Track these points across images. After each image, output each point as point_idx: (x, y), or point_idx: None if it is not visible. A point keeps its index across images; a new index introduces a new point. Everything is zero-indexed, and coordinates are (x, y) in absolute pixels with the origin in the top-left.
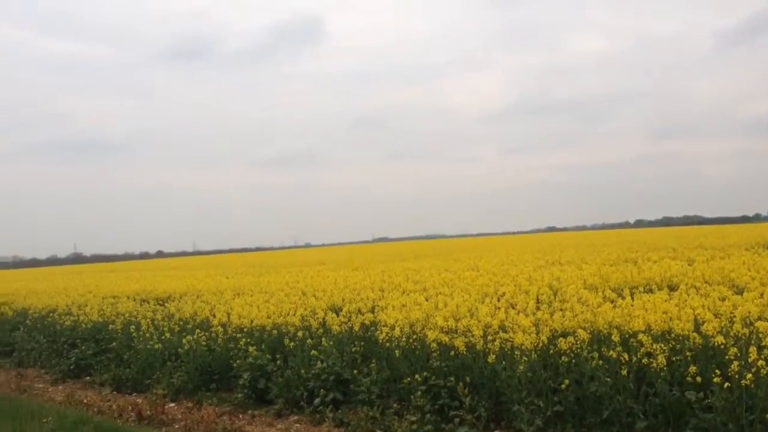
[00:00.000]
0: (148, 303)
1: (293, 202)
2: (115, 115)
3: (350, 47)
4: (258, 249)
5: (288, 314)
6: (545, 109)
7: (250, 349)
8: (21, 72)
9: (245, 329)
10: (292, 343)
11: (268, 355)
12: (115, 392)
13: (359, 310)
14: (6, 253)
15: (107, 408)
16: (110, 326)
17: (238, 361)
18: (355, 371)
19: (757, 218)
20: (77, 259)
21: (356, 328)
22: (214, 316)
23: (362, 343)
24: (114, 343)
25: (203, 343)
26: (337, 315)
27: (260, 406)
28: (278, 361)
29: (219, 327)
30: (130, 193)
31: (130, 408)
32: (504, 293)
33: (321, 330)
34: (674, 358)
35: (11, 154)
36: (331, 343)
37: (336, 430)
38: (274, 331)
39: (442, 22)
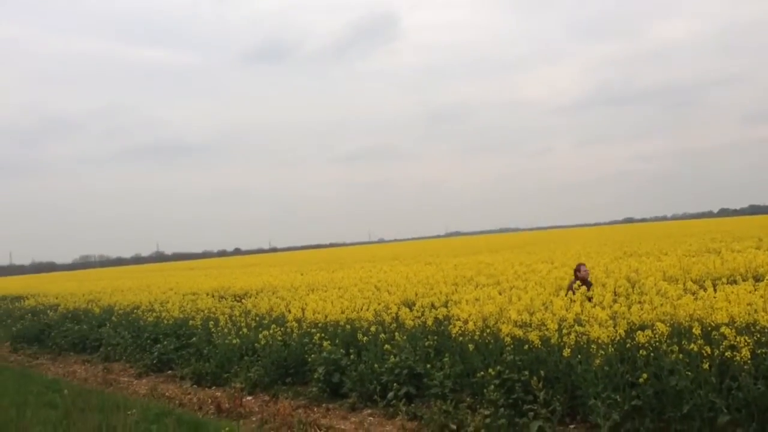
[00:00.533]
0: (226, 299)
1: (367, 198)
2: (199, 118)
3: (425, 43)
4: (332, 245)
5: (361, 309)
6: (626, 98)
7: (325, 343)
8: (113, 79)
9: (319, 324)
10: (365, 338)
11: (342, 350)
12: (195, 386)
13: (432, 305)
14: (93, 252)
15: (188, 401)
16: (190, 322)
17: (312, 356)
18: (429, 365)
19: None
20: (159, 257)
21: (429, 322)
22: (289, 311)
23: (435, 338)
24: (194, 339)
25: (279, 338)
26: (410, 309)
27: (334, 400)
28: (352, 356)
29: (294, 322)
30: (209, 193)
31: (209, 401)
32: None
33: (394, 324)
34: (759, 351)
35: (109, 158)
36: (404, 337)
37: (409, 423)
38: (348, 326)
39: (516, 15)
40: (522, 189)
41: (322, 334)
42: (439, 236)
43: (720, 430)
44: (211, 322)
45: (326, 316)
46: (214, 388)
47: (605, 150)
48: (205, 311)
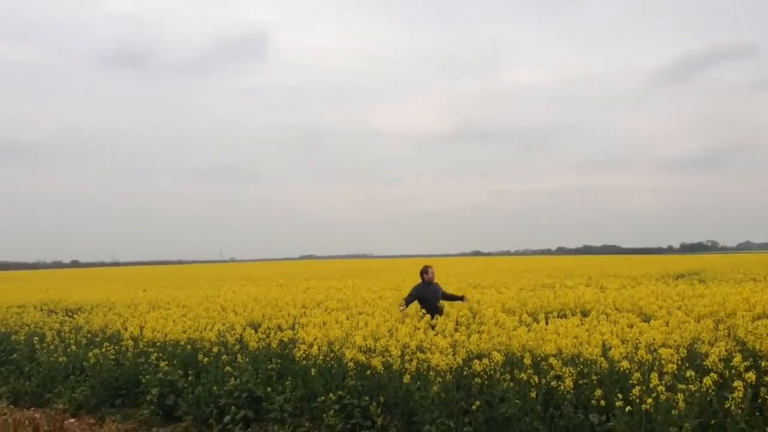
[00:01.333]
0: (57, 314)
1: (221, 216)
2: (45, 119)
3: (290, 65)
4: (180, 262)
5: (205, 329)
6: (481, 135)
7: (161, 363)
8: None
9: (158, 344)
10: (206, 359)
11: (179, 371)
12: (12, 406)
13: (279, 327)
14: None
15: (2, 422)
16: (13, 337)
17: (147, 376)
18: (269, 389)
19: (669, 250)
20: None
21: (274, 345)
22: (126, 329)
23: (279, 361)
24: (15, 355)
25: (111, 356)
26: (256, 331)
27: (167, 424)
28: (190, 377)
29: (130, 341)
30: (47, 199)
31: (26, 422)
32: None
33: (237, 346)
34: (581, 382)
35: None
36: (247, 359)
37: None
38: (189, 347)
39: (382, 45)
40: (376, 217)
41: (160, 354)
42: (292, 259)
43: None
44: (36, 338)
45: (166, 336)
46: (33, 409)
47: (459, 184)
48: (31, 325)
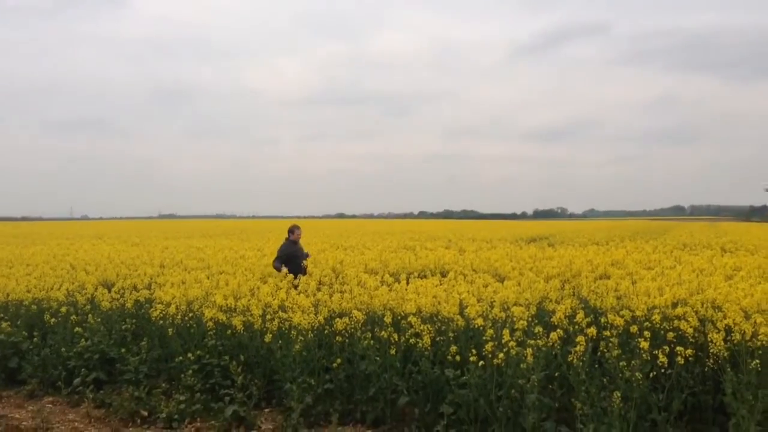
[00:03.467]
0: None
1: (72, 171)
2: None
3: (153, 15)
4: (25, 219)
5: (52, 288)
6: (349, 99)
7: (3, 324)
8: None
9: None
10: (53, 320)
11: (24, 332)
12: None
13: (135, 287)
14: None
15: None
16: None
17: None
18: (124, 350)
19: (523, 216)
20: None
21: (129, 305)
22: None
23: (134, 321)
24: None
25: None
26: (109, 291)
27: (10, 387)
28: (35, 339)
29: None
30: None
31: None
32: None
33: (89, 306)
34: (438, 339)
35: None
36: (99, 320)
37: (96, 411)
38: (34, 307)
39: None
40: (239, 178)
41: (1, 315)
42: (151, 218)
43: (399, 409)
44: None
45: (8, 295)
46: None
47: (325, 147)
48: None
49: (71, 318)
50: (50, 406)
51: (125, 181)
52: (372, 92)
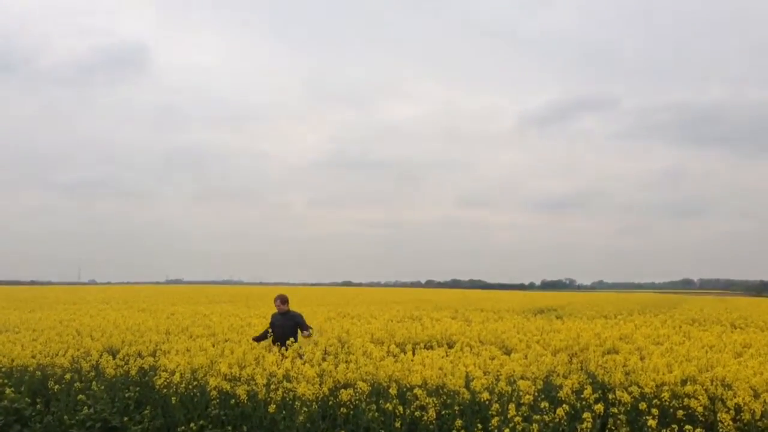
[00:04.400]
0: None
1: (80, 235)
2: None
3: (170, 82)
4: (33, 283)
5: (57, 354)
6: (360, 165)
7: (7, 390)
8: None
9: (3, 369)
10: (57, 386)
11: (27, 398)
12: None
13: (140, 354)
14: None
15: None
16: None
17: None
18: (126, 418)
19: (531, 286)
20: None
21: (133, 372)
22: None
23: (138, 389)
24: None
25: None
26: (114, 358)
27: None
28: (39, 406)
29: None
30: None
31: None
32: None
33: (93, 373)
34: (444, 412)
35: None
36: (103, 387)
37: None
38: (38, 373)
39: (261, 64)
40: (247, 244)
41: (5, 380)
42: (158, 283)
43: None
44: None
45: (13, 360)
46: None
47: (331, 214)
48: None
49: (75, 385)
50: None
51: (133, 245)
52: (379, 159)
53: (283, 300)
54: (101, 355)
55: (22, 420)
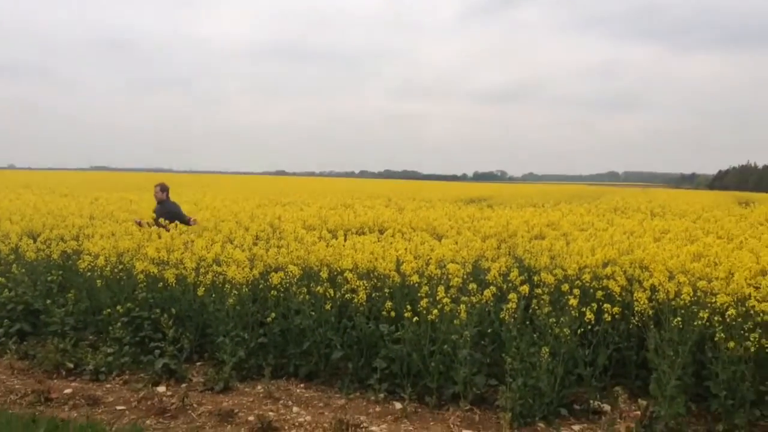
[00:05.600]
0: None
1: (6, 119)
2: None
3: None
4: None
5: None
6: (297, 55)
7: None
8: None
9: None
10: None
11: None
12: None
13: (62, 238)
14: None
15: None
16: None
17: None
18: (49, 302)
19: (464, 178)
20: None
21: (56, 255)
22: None
23: (61, 273)
24: None
25: None
26: (35, 241)
27: None
28: None
29: None
30: None
31: None
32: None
33: (13, 256)
34: (374, 295)
35: None
36: (24, 270)
37: (19, 363)
38: None
39: None
40: (179, 130)
41: None
42: (82, 169)
43: (333, 364)
44: None
45: None
46: None
47: (266, 103)
48: None
49: None
50: None
51: (57, 130)
52: (319, 49)
53: (162, 188)
54: (21, 239)
55: None
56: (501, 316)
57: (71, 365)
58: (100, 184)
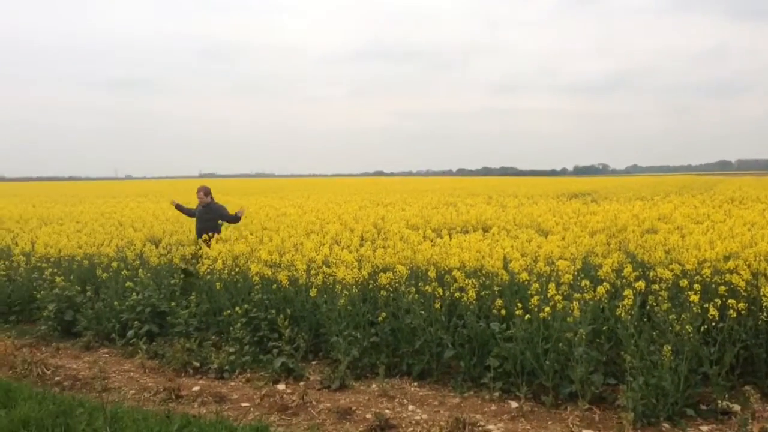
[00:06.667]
0: None
1: (117, 131)
2: None
3: None
4: (71, 178)
5: (102, 245)
6: (393, 55)
7: (57, 279)
8: None
9: (52, 259)
10: (105, 274)
11: (77, 287)
12: None
13: (181, 242)
14: None
15: None
16: None
17: (42, 292)
18: (173, 303)
19: (563, 172)
20: None
21: (176, 260)
22: (17, 244)
23: (182, 276)
24: None
25: (2, 272)
26: (157, 247)
27: (67, 339)
28: (89, 293)
29: (21, 256)
30: None
31: None
32: (329, 230)
33: (138, 261)
34: (483, 293)
35: None
36: (149, 274)
37: (150, 362)
38: (86, 262)
39: None
40: (280, 136)
41: (55, 270)
42: (191, 177)
43: (445, 363)
44: None
45: (60, 251)
46: None
47: (363, 104)
48: None
49: (122, 273)
50: (106, 356)
51: (168, 140)
52: (411, 47)
53: (206, 192)
54: (144, 245)
55: (74, 306)
56: (617, 313)
57: (197, 364)
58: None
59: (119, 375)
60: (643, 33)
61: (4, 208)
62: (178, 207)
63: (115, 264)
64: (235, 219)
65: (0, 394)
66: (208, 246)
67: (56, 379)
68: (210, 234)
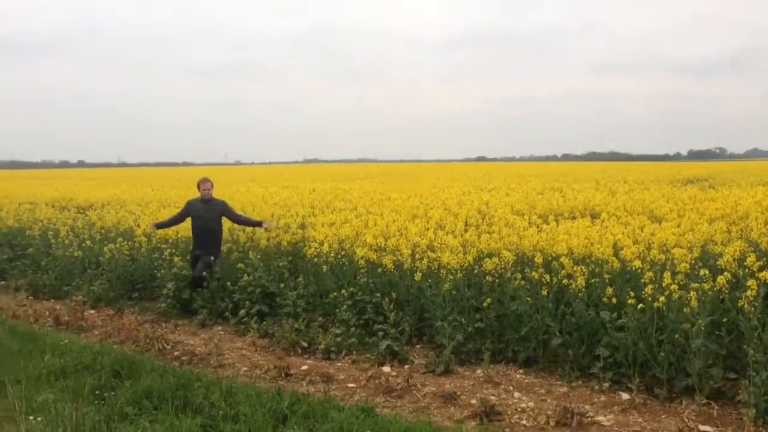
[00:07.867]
0: (68, 210)
1: (225, 117)
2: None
3: None
4: (186, 164)
5: None
6: (485, 40)
7: (176, 259)
8: None
9: (170, 240)
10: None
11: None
12: (31, 297)
13: (288, 226)
14: None
15: (22, 312)
16: (27, 232)
17: (162, 271)
18: (282, 285)
19: (677, 157)
20: None
21: (285, 243)
22: (138, 226)
23: (290, 258)
24: (31, 249)
25: (126, 252)
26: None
27: (184, 317)
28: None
29: (143, 237)
30: (51, 97)
31: (47, 313)
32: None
33: (249, 244)
34: (592, 281)
35: None
36: (258, 257)
37: (260, 340)
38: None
39: None
40: (382, 120)
41: (173, 250)
42: (297, 162)
43: (552, 351)
44: (51, 233)
45: (178, 233)
46: (53, 301)
47: (464, 89)
48: (44, 221)
49: (234, 254)
50: (221, 334)
51: (273, 125)
52: (511, 29)
53: (212, 185)
54: (254, 228)
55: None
56: (738, 304)
57: (305, 344)
58: (315, 176)
59: (232, 352)
60: (763, 6)
61: (126, 191)
62: (160, 226)
63: (227, 246)
64: (255, 223)
65: (125, 366)
66: (209, 277)
67: (175, 353)
68: (213, 259)
